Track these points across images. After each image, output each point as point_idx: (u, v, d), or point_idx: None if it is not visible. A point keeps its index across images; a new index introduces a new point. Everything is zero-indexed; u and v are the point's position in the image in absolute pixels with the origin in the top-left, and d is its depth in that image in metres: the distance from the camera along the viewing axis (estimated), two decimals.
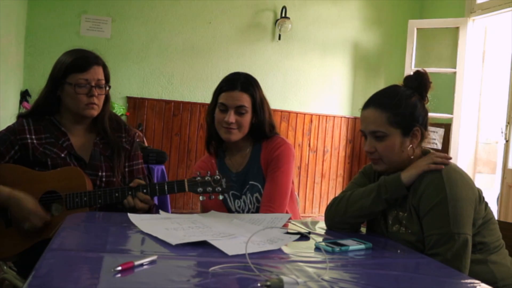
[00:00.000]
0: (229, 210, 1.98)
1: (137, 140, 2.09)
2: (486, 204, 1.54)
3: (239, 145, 1.98)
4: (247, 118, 1.91)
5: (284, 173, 1.91)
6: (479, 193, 1.51)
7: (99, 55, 1.91)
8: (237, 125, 1.89)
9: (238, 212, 1.97)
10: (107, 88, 1.90)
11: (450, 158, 1.50)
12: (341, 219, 1.59)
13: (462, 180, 1.47)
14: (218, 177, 1.70)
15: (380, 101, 1.57)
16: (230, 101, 1.89)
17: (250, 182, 1.96)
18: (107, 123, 1.93)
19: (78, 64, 1.82)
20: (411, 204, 1.50)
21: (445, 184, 1.43)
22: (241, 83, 1.91)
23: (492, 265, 1.48)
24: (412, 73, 1.61)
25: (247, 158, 1.98)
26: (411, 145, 1.54)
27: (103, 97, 1.89)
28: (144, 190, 1.74)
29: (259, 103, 1.94)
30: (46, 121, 1.88)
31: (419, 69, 1.61)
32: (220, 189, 1.70)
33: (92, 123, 1.93)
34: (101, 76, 1.86)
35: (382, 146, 1.53)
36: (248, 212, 1.95)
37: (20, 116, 1.91)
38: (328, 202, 1.68)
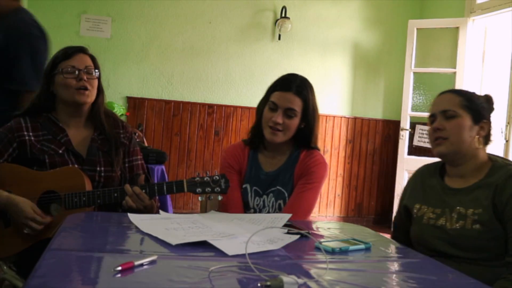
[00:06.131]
0: (247, 205, 1.96)
1: (136, 139, 2.09)
2: None
3: (279, 147, 1.96)
4: (294, 122, 1.89)
5: (313, 191, 1.90)
6: None
7: (87, 48, 1.94)
8: (283, 127, 1.87)
9: (255, 209, 1.95)
10: (97, 74, 1.90)
11: None
12: None
13: None
14: (217, 178, 1.69)
15: (457, 89, 1.68)
16: (281, 101, 1.87)
17: (278, 187, 1.94)
18: (103, 115, 1.94)
19: (63, 53, 1.87)
20: (491, 201, 1.51)
21: None
22: (296, 86, 1.89)
23: None
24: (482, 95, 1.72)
25: (282, 162, 1.96)
26: (477, 136, 1.59)
27: (94, 82, 1.89)
28: (143, 190, 1.73)
29: (311, 110, 1.92)
30: (43, 118, 1.89)
31: (488, 94, 1.72)
32: (219, 189, 1.69)
33: (89, 118, 1.94)
34: (88, 63, 1.89)
35: (452, 124, 1.59)
36: (266, 213, 1.94)
37: (16, 116, 1.91)
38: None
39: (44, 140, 1.85)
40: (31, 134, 1.84)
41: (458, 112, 1.59)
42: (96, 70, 1.90)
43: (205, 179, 1.70)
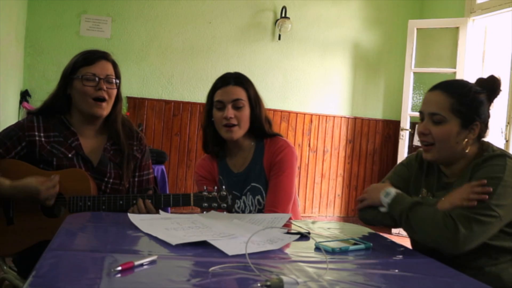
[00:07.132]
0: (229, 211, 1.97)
1: (148, 148, 2.04)
2: None
3: (240, 144, 1.96)
4: (245, 113, 1.90)
5: (288, 177, 1.90)
6: None
7: (109, 53, 1.90)
8: (237, 120, 1.88)
9: (238, 213, 1.96)
10: (117, 84, 1.86)
11: (490, 191, 1.40)
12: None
13: None
14: (225, 193, 1.70)
15: (449, 86, 1.55)
16: (225, 96, 1.89)
17: (252, 184, 1.94)
18: (119, 125, 1.90)
19: (85, 58, 1.83)
20: None
21: (505, 169, 1.42)
22: (234, 79, 1.92)
23: None
24: (486, 76, 1.59)
25: (249, 158, 1.96)
26: (467, 139, 1.51)
27: (113, 93, 1.85)
28: (150, 201, 1.73)
29: (254, 98, 1.94)
30: (56, 119, 1.86)
31: (494, 74, 1.59)
32: (225, 205, 1.69)
33: (103, 125, 1.90)
34: (110, 71, 1.85)
35: (438, 130, 1.51)
36: (248, 213, 1.94)
37: (30, 113, 1.89)
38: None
39: (55, 142, 1.82)
40: (42, 134, 1.82)
41: (446, 118, 1.50)
42: (117, 80, 1.86)
43: (212, 194, 1.70)
